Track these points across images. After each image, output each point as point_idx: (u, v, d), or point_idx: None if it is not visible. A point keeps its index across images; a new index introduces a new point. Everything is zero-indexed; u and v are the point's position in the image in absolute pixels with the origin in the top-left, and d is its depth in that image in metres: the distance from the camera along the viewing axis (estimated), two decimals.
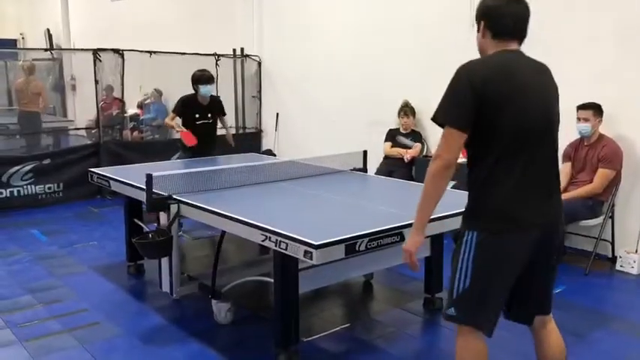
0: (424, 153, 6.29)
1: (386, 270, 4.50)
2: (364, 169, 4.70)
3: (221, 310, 3.71)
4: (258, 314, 3.88)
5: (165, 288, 4.02)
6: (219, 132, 5.93)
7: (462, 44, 5.96)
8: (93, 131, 8.27)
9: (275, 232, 2.84)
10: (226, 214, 3.21)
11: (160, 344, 3.50)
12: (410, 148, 6.19)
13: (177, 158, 5.69)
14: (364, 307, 4.20)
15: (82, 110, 10.73)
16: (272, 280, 3.23)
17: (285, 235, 2.79)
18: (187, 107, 5.57)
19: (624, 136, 4.85)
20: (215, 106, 5.72)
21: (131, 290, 4.37)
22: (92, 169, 4.76)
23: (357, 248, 2.79)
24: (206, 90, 5.49)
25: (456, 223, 3.33)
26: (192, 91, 5.56)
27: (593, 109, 4.75)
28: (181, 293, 4.05)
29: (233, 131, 7.96)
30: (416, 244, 2.30)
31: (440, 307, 3.97)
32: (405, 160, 6.12)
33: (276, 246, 2.85)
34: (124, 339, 3.56)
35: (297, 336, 3.27)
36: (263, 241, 2.92)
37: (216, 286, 3.73)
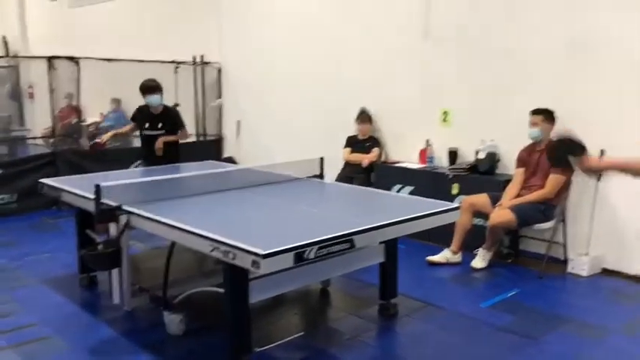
0: (382, 159, 6.33)
1: (342, 276, 4.49)
2: (321, 176, 4.69)
3: (173, 322, 3.65)
4: (211, 325, 3.82)
5: (117, 300, 3.94)
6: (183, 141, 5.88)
7: (415, 54, 6.07)
8: (51, 140, 8.09)
9: (223, 242, 2.81)
10: (174, 224, 3.17)
11: (109, 357, 3.43)
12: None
13: (137, 166, 5.65)
14: (320, 314, 4.19)
15: (40, 119, 10.50)
16: (223, 291, 3.19)
17: (232, 245, 2.76)
18: (139, 116, 5.64)
19: None
20: (168, 117, 5.61)
21: (82, 303, 4.27)
22: (42, 180, 4.65)
23: (306, 256, 2.77)
24: (152, 99, 5.44)
25: (411, 228, 3.38)
26: None
27: (543, 114, 4.88)
28: (133, 305, 3.97)
29: (195, 139, 7.94)
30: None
31: (395, 313, 3.98)
32: (363, 165, 6.16)
33: (224, 256, 2.81)
34: (72, 354, 3.47)
35: (250, 346, 3.24)
36: (211, 251, 2.89)
37: (168, 297, 3.67)
